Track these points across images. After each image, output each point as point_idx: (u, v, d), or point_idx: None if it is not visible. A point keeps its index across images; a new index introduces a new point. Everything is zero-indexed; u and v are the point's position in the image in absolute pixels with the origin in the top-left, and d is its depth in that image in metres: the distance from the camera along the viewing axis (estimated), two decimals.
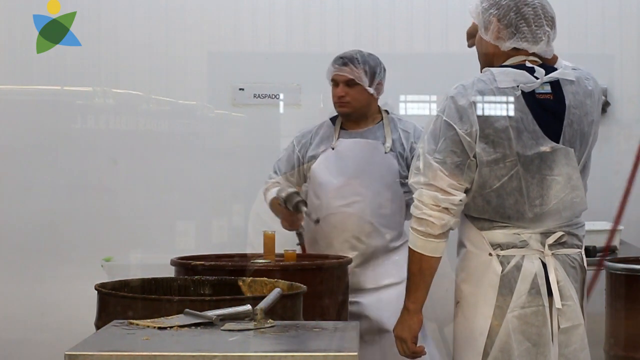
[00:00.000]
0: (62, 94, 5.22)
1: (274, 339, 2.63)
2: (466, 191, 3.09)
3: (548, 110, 3.09)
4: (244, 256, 4.33)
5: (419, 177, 3.09)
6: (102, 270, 4.94)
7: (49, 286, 5.07)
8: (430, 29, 5.23)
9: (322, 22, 5.24)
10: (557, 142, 3.08)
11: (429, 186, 3.06)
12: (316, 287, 3.75)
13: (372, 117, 4.48)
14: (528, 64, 3.13)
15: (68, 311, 4.89)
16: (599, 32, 5.26)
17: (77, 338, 2.55)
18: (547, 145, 3.06)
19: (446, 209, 3.05)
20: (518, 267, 3.09)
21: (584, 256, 3.20)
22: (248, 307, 2.83)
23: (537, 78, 3.11)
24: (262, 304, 2.79)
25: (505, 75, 3.10)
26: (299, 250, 4.44)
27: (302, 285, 3.28)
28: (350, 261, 4.20)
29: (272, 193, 4.41)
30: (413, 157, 4.34)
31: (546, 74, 3.12)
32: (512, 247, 3.10)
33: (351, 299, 4.27)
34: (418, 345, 3.17)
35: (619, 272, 3.94)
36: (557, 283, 3.09)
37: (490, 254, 3.10)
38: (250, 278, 3.45)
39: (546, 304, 3.08)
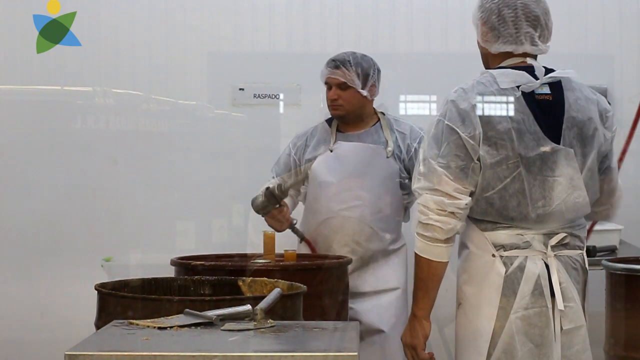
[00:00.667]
0: (62, 94, 5.22)
1: (274, 339, 2.63)
2: (471, 194, 3.08)
3: (547, 111, 3.09)
4: (244, 256, 4.33)
5: (423, 182, 3.07)
6: (102, 270, 4.94)
7: (48, 286, 5.07)
8: (430, 29, 5.23)
9: (322, 22, 5.24)
10: (558, 143, 3.07)
11: (434, 191, 3.05)
12: (316, 287, 3.75)
13: (368, 119, 4.48)
14: (529, 61, 3.12)
15: (68, 311, 4.89)
16: (599, 32, 5.26)
17: (77, 338, 2.55)
18: (547, 146, 3.06)
19: (452, 213, 3.04)
20: (521, 268, 3.08)
21: (585, 257, 3.20)
22: (248, 307, 2.83)
23: (536, 78, 3.11)
24: (262, 304, 2.79)
25: (506, 76, 3.10)
26: (304, 248, 4.43)
27: (302, 285, 3.27)
28: (350, 261, 4.20)
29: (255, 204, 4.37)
30: (411, 159, 4.37)
31: (545, 74, 3.12)
32: (516, 248, 3.10)
33: (350, 304, 4.27)
34: (427, 352, 3.16)
35: (619, 272, 3.94)
36: (560, 284, 3.08)
37: (493, 255, 3.10)
38: (250, 278, 3.45)
39: (549, 305, 3.07)
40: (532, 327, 3.07)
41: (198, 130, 5.32)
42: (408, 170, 4.36)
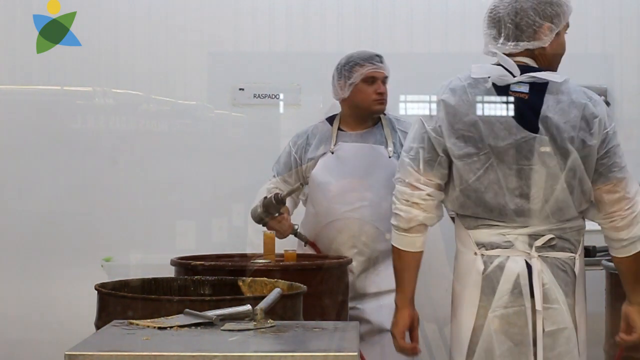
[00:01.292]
0: (62, 94, 5.21)
1: (274, 339, 2.63)
2: (440, 187, 3.16)
3: (520, 108, 3.11)
4: (244, 256, 4.33)
5: (397, 174, 3.22)
6: (102, 270, 4.94)
7: (49, 286, 5.07)
8: (430, 29, 5.23)
9: (322, 22, 5.23)
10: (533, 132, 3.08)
11: (401, 182, 3.18)
12: (316, 287, 3.75)
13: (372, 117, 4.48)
14: (501, 59, 3.17)
15: (68, 311, 4.89)
16: (599, 32, 5.26)
17: (77, 338, 2.56)
18: (519, 135, 3.07)
19: (416, 203, 3.14)
20: (501, 267, 3.11)
21: (577, 261, 3.17)
22: (248, 307, 2.84)
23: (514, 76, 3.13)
24: (262, 304, 2.79)
25: (480, 68, 3.18)
26: (310, 251, 4.43)
27: (302, 285, 3.28)
28: (350, 261, 4.20)
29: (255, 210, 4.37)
30: None
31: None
32: (497, 248, 3.12)
33: (353, 304, 4.27)
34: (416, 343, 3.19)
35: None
36: (543, 285, 3.09)
37: (475, 253, 3.13)
38: (250, 278, 3.46)
39: (528, 305, 3.08)
40: (512, 326, 3.09)
41: (198, 130, 5.32)
42: None
